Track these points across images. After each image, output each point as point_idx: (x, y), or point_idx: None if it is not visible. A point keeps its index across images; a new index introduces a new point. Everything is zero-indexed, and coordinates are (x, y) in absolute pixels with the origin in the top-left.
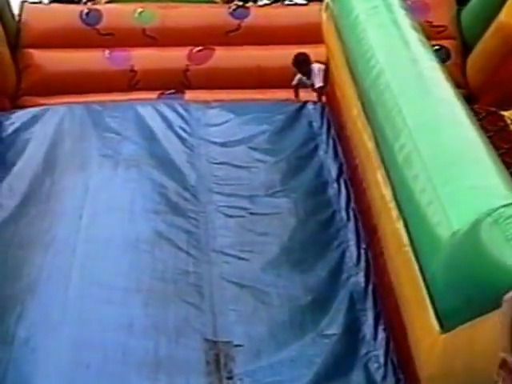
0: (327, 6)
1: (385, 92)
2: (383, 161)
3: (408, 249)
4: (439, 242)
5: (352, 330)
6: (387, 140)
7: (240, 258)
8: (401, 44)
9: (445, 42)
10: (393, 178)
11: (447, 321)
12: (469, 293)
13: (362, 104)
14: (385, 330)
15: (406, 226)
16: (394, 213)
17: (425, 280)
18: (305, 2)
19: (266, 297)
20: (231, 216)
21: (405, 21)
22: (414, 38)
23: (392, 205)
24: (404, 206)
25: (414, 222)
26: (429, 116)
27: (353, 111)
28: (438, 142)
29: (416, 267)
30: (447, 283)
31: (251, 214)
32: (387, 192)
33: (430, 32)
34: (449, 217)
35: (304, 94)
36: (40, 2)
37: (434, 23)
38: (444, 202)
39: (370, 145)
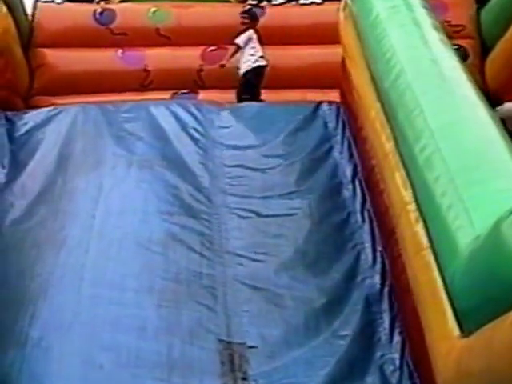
0: (345, 6)
1: (406, 92)
2: (403, 162)
3: (427, 252)
4: (460, 244)
5: (367, 332)
6: (408, 141)
7: (254, 260)
8: (422, 44)
9: (463, 42)
10: (413, 180)
11: (467, 322)
12: (489, 293)
13: (382, 104)
14: (401, 333)
15: (426, 228)
16: (413, 215)
17: (444, 282)
18: (320, 2)
19: (279, 299)
20: (245, 217)
21: (426, 20)
22: (435, 37)
23: (411, 207)
24: (424, 209)
25: (435, 225)
26: (451, 117)
27: (371, 112)
28: (461, 144)
29: (435, 270)
30: (467, 284)
31: (265, 215)
32: (406, 194)
33: (448, 31)
34: (472, 220)
35: (317, 95)
36: (53, 2)
37: (453, 23)
38: (467, 205)
39: (388, 146)
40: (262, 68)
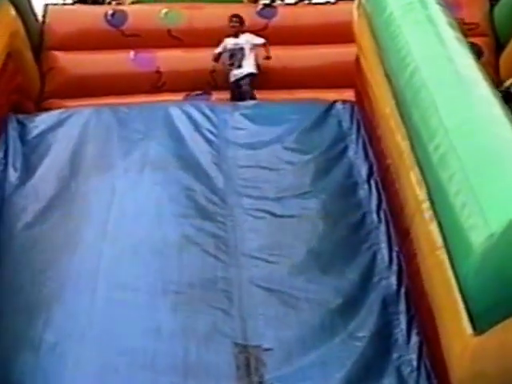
0: (359, 4)
1: (420, 90)
2: (417, 161)
3: (441, 251)
4: (473, 243)
5: (384, 333)
6: (422, 140)
7: (269, 262)
8: (437, 41)
9: (477, 40)
10: (427, 178)
11: (480, 321)
12: (503, 292)
13: (396, 103)
14: (418, 333)
15: (440, 227)
16: (427, 214)
17: (458, 282)
18: (333, 1)
19: (295, 301)
20: (259, 219)
21: (441, 17)
22: (450, 35)
23: (425, 206)
24: (438, 208)
25: (448, 224)
26: (466, 115)
27: (385, 110)
28: (475, 142)
29: (449, 269)
30: (481, 283)
31: (280, 216)
32: (420, 193)
33: (462, 29)
34: (485, 219)
35: (333, 95)
36: (64, 4)
37: (466, 20)
38: (481, 203)
39: (404, 145)
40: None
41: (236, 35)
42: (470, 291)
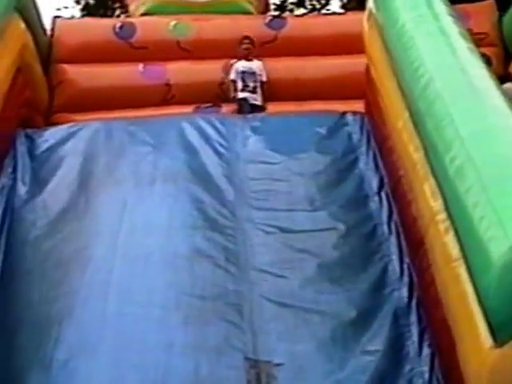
0: (370, 15)
1: (435, 101)
2: (432, 173)
3: (457, 263)
4: (493, 256)
5: (396, 345)
6: (437, 151)
7: (279, 276)
8: (450, 52)
9: (486, 50)
10: (443, 190)
11: (501, 334)
12: None
13: (410, 114)
14: (430, 345)
15: (457, 239)
16: (442, 226)
17: (477, 294)
18: (342, 11)
19: (306, 314)
20: (270, 232)
21: (453, 28)
22: (462, 45)
23: (440, 217)
24: (455, 220)
25: (466, 236)
26: (482, 125)
27: (398, 122)
28: (493, 153)
29: (466, 282)
30: (502, 296)
31: (290, 229)
32: (435, 204)
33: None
34: (505, 231)
35: (342, 106)
36: (72, 17)
37: (475, 30)
38: (500, 215)
39: (417, 156)
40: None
41: (247, 58)
42: (491, 303)
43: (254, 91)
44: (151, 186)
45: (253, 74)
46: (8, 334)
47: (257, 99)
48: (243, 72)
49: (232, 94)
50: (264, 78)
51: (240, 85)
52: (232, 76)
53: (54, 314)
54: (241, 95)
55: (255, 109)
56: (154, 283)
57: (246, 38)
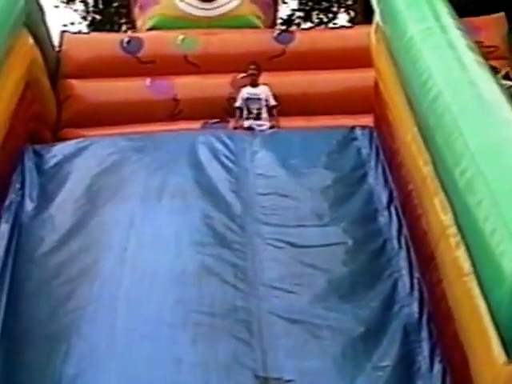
0: (377, 28)
1: (444, 115)
2: (442, 187)
3: (469, 277)
4: (505, 270)
5: (406, 361)
6: (447, 165)
7: (289, 292)
8: (458, 65)
9: (496, 63)
10: (454, 204)
11: None
12: None
13: (419, 128)
14: (441, 361)
15: (468, 253)
16: (453, 240)
17: (489, 308)
18: (350, 25)
19: (316, 330)
20: (279, 248)
21: (461, 41)
22: (471, 58)
23: (450, 232)
24: (466, 234)
25: (478, 250)
26: (492, 138)
27: (407, 135)
28: (503, 166)
29: (478, 296)
30: None
31: (299, 244)
32: (445, 219)
33: (482, 52)
34: None
35: (351, 120)
36: (80, 32)
37: (485, 43)
38: None
39: (426, 170)
40: None
41: (254, 84)
42: (504, 318)
43: (257, 117)
44: (159, 201)
45: (258, 99)
46: (17, 348)
47: (263, 125)
48: (248, 99)
49: (239, 123)
50: (272, 103)
51: (245, 113)
52: (238, 103)
53: (62, 329)
54: (246, 124)
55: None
56: (162, 300)
57: (252, 63)
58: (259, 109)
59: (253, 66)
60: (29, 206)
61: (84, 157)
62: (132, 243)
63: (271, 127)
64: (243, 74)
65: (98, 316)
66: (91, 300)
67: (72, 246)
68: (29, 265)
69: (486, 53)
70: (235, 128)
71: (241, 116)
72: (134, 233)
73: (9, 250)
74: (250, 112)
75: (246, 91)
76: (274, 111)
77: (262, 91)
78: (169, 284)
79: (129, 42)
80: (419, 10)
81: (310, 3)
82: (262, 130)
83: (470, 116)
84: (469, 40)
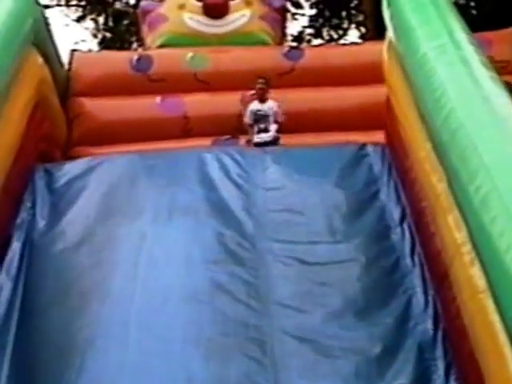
0: (390, 45)
1: (458, 131)
2: (457, 203)
3: (484, 295)
4: None
5: (421, 380)
6: (461, 181)
7: (301, 311)
8: (471, 81)
9: (508, 78)
10: (468, 221)
11: None
12: None
13: (432, 144)
14: (457, 379)
15: (483, 270)
16: (467, 257)
17: (505, 326)
18: (360, 41)
19: (329, 349)
20: (290, 265)
21: (474, 57)
22: (484, 74)
23: (465, 249)
24: (481, 251)
25: (493, 267)
26: (506, 154)
27: (420, 152)
28: None
29: (493, 314)
30: None
31: (311, 262)
32: (459, 236)
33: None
34: None
35: (362, 137)
36: (90, 50)
37: (497, 58)
38: None
39: (440, 187)
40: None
41: (262, 99)
42: None
43: (265, 130)
44: (170, 219)
45: (266, 116)
46: (30, 363)
47: (269, 137)
48: (256, 114)
49: (249, 138)
50: (280, 119)
51: (255, 129)
52: (247, 120)
53: (74, 345)
54: (256, 139)
55: (269, 144)
56: (174, 318)
57: (261, 77)
58: (267, 124)
59: (261, 80)
60: (40, 224)
61: (94, 175)
62: (143, 260)
63: (275, 139)
64: (253, 92)
65: (110, 333)
66: (103, 317)
67: (83, 263)
68: (40, 281)
69: (498, 68)
70: (247, 143)
71: (252, 132)
72: (146, 250)
73: (21, 267)
74: (259, 128)
75: (255, 107)
76: (281, 127)
77: (269, 108)
78: (181, 301)
79: (138, 60)
80: (432, 26)
81: (321, 20)
82: (266, 142)
83: (484, 132)
84: (482, 56)
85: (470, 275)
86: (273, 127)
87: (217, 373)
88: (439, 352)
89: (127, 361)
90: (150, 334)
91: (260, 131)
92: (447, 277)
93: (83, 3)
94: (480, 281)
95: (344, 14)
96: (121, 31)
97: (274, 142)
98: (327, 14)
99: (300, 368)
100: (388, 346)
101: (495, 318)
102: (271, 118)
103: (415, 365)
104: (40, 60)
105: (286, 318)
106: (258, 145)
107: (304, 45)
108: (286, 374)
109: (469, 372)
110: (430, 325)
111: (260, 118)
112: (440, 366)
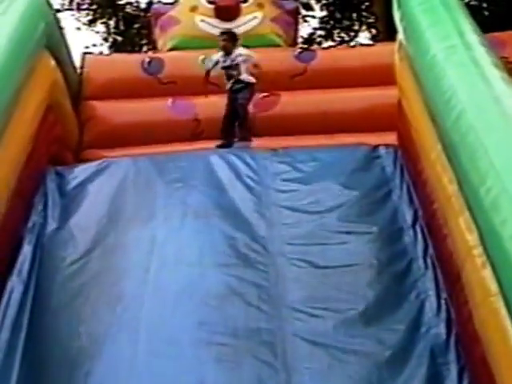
0: (400, 47)
1: (468, 132)
2: (467, 205)
3: (495, 298)
4: None
5: None
6: (472, 183)
7: (312, 315)
8: (482, 82)
9: None
10: (479, 223)
11: None
12: None
13: (443, 146)
14: None
15: (494, 273)
16: (479, 260)
17: None
18: (371, 43)
19: (341, 354)
20: (302, 268)
21: (485, 58)
22: (495, 75)
23: (476, 252)
24: (492, 253)
25: (504, 270)
26: None
27: (431, 154)
28: None
29: (505, 317)
30: None
31: (322, 265)
32: (471, 238)
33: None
34: None
35: (374, 139)
36: (101, 53)
37: (511, 59)
38: None
39: (451, 189)
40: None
41: (228, 52)
42: None
43: (239, 79)
44: (181, 221)
45: (236, 65)
46: (38, 368)
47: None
48: (226, 67)
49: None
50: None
51: (225, 76)
52: (209, 66)
53: (84, 349)
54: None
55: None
56: (185, 321)
57: (226, 33)
58: (239, 73)
59: (224, 37)
60: (51, 227)
61: (106, 178)
62: (154, 264)
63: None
64: (264, 94)
65: (120, 337)
66: (113, 321)
67: (94, 267)
68: (51, 285)
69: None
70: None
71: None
72: (157, 253)
73: (31, 270)
74: (228, 75)
75: (222, 59)
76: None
77: (237, 54)
78: (192, 305)
79: (150, 62)
80: (443, 27)
81: (331, 22)
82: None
83: (494, 133)
84: (493, 57)
85: (481, 278)
86: (244, 76)
87: (228, 376)
88: (452, 356)
89: (137, 365)
90: (161, 338)
91: (231, 77)
92: (459, 280)
93: (94, 7)
94: (492, 284)
95: (355, 15)
96: (131, 35)
97: (246, 86)
98: (338, 15)
99: (312, 372)
100: (400, 351)
101: (507, 321)
102: (242, 66)
103: (428, 370)
104: (52, 63)
105: (298, 321)
106: (232, 91)
107: (315, 47)
108: (297, 378)
109: (481, 376)
110: (442, 329)
111: (227, 67)
112: (453, 370)
